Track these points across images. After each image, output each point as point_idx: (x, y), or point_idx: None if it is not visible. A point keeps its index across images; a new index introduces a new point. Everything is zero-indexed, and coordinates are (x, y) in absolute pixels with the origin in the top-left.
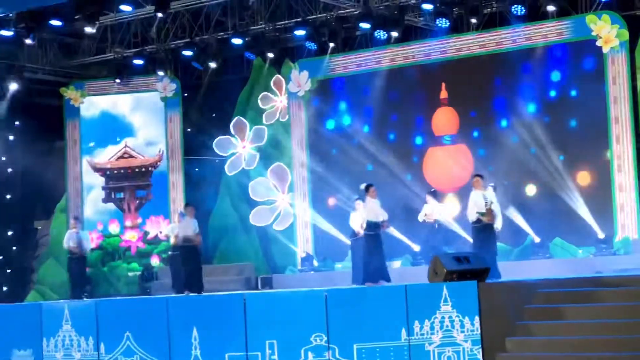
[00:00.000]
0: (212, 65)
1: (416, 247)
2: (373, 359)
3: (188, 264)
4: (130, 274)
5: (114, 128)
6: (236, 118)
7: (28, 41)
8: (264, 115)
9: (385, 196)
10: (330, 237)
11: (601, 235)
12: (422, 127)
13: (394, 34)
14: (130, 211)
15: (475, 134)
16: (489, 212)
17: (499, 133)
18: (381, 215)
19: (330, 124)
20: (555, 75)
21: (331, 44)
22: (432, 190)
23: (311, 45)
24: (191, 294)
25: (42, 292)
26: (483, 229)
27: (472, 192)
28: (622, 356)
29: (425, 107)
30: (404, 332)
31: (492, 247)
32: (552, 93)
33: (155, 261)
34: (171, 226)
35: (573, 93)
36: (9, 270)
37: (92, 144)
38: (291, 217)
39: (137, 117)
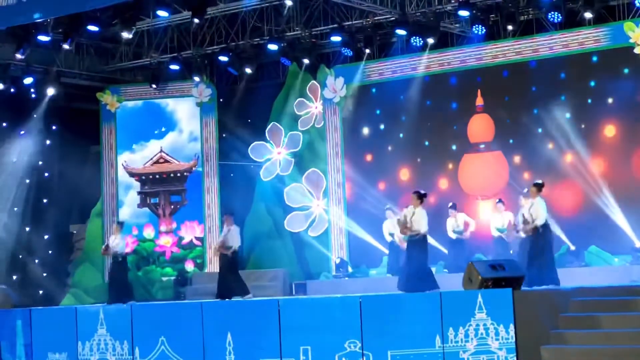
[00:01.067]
0: (248, 70)
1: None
2: None
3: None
4: (164, 278)
5: (149, 133)
6: (271, 124)
7: (65, 46)
8: (299, 121)
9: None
10: (364, 243)
11: (638, 243)
12: (458, 133)
13: (430, 40)
14: (165, 216)
15: (511, 140)
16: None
17: (535, 140)
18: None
19: (366, 130)
20: (592, 82)
21: (367, 51)
22: (451, 204)
23: (347, 52)
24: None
25: (78, 296)
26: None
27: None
28: None
29: (460, 114)
30: (438, 340)
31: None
32: (589, 100)
33: (189, 266)
34: None
35: (610, 100)
36: (44, 274)
37: (128, 147)
38: (326, 223)
39: (171, 123)
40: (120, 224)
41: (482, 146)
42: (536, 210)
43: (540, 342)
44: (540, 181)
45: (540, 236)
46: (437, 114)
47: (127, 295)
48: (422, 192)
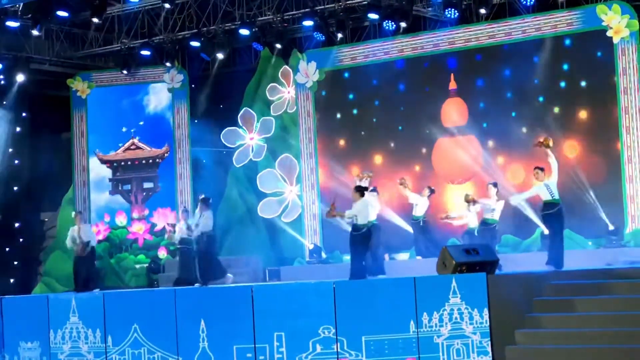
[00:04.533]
0: (220, 56)
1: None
2: (381, 351)
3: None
4: (137, 266)
5: (120, 120)
6: (244, 109)
7: (35, 32)
8: (271, 107)
9: (393, 188)
10: (338, 229)
11: (611, 226)
12: (431, 118)
13: (403, 24)
14: (137, 203)
15: (485, 124)
16: None
17: (509, 124)
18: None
19: (338, 115)
20: (565, 66)
21: (339, 35)
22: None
23: (319, 36)
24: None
25: (49, 284)
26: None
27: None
28: (633, 348)
29: (434, 98)
30: (412, 325)
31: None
32: (562, 84)
33: (162, 253)
34: None
35: (583, 84)
36: (16, 262)
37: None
38: (299, 209)
39: (143, 110)
40: (80, 212)
41: (455, 130)
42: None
43: (514, 326)
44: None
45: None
46: (410, 98)
47: (92, 282)
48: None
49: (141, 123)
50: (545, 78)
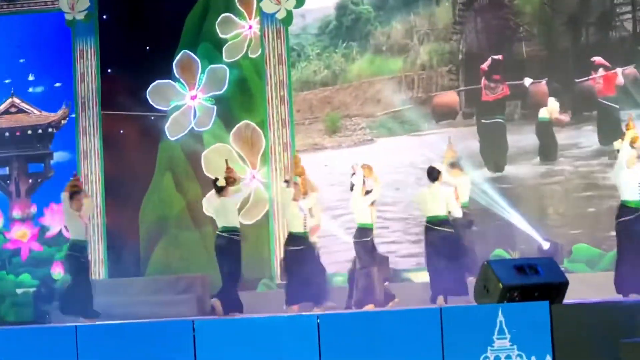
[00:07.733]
0: None
1: None
2: None
3: None
4: (19, 290)
5: None
6: (182, 53)
7: None
8: (224, 49)
9: (399, 167)
10: (325, 234)
11: None
12: (462, 62)
13: None
14: (19, 195)
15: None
16: None
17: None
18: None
19: (324, 61)
20: None
21: None
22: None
23: None
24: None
25: None
26: None
27: None
28: None
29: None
30: None
31: None
32: None
33: (57, 272)
34: None
35: None
36: None
37: None
38: (266, 204)
39: (29, 51)
40: None
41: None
42: None
43: None
44: None
45: None
46: (432, 35)
47: None
48: None
49: (27, 75)
50: None
